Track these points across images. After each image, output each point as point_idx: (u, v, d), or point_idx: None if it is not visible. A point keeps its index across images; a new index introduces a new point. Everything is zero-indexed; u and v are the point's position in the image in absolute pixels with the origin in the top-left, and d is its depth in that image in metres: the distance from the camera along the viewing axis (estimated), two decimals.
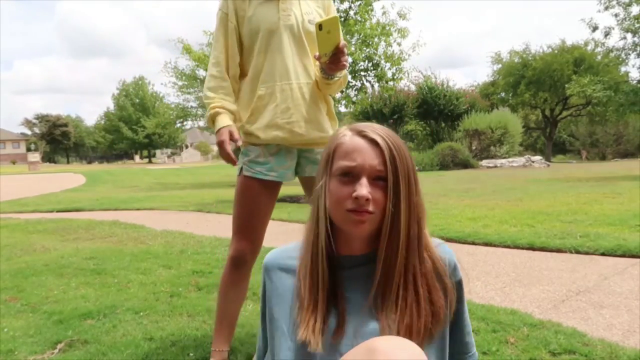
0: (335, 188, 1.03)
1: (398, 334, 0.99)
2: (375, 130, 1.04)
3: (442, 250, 1.11)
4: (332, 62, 1.77)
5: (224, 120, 1.92)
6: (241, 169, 2.00)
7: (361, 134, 1.04)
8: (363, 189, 0.99)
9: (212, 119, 1.95)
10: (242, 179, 1.99)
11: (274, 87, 1.92)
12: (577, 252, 4.02)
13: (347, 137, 1.06)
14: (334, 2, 10.75)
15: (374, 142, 1.02)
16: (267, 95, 1.93)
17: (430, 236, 1.11)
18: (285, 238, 4.94)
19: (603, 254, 3.89)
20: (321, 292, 1.05)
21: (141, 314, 2.80)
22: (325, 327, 1.03)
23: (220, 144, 1.89)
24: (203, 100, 2.03)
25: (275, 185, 2.01)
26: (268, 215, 2.04)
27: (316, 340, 1.01)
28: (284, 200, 8.65)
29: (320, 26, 1.67)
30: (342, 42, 1.75)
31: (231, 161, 1.91)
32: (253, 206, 1.98)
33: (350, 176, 1.01)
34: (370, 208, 1.00)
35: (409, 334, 1.00)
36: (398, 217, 1.01)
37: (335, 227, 1.06)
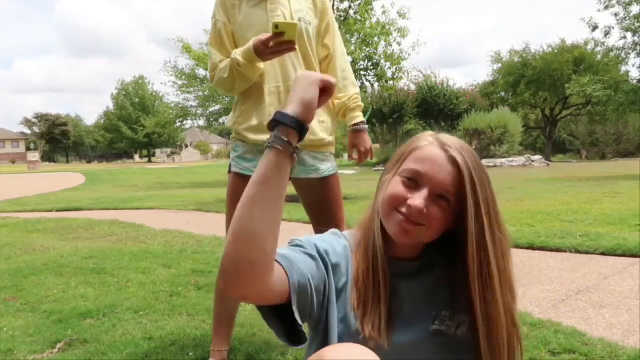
0: (395, 186, 0.99)
1: None
2: (459, 149, 0.98)
3: None
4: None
5: (240, 50, 1.84)
6: (230, 165, 1.99)
7: (443, 147, 0.98)
8: (420, 199, 0.94)
9: (239, 62, 1.82)
10: (231, 176, 1.99)
11: (262, 90, 1.91)
12: (577, 251, 4.01)
13: (428, 143, 1.00)
14: (334, 1, 10.76)
15: (453, 160, 0.96)
16: (255, 98, 1.92)
17: None
18: (285, 237, 4.92)
19: (603, 254, 3.88)
20: (383, 290, 1.00)
21: (141, 313, 2.80)
22: (388, 325, 0.99)
23: (260, 44, 1.73)
24: (219, 83, 1.94)
25: None
26: None
27: (383, 340, 0.97)
28: None
29: (276, 26, 1.65)
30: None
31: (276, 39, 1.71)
32: None
33: (415, 182, 0.97)
34: (421, 221, 0.95)
35: None
36: (486, 252, 0.95)
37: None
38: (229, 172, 2.00)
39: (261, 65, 1.86)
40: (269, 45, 1.70)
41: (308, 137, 1.92)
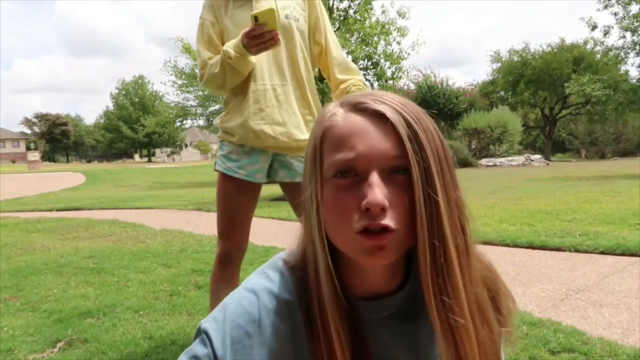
0: (331, 199, 0.66)
1: None
2: (380, 98, 0.68)
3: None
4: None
5: (231, 43, 1.83)
6: (215, 162, 2.00)
7: (358, 108, 0.68)
8: (375, 192, 0.62)
9: (230, 55, 1.80)
10: (218, 175, 1.99)
11: (247, 88, 1.91)
12: (577, 250, 4.02)
13: (339, 116, 0.69)
14: (334, 0, 10.75)
15: (379, 117, 0.66)
16: (241, 96, 1.92)
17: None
18: (284, 237, 4.93)
19: (602, 253, 3.89)
20: (346, 354, 0.68)
21: (141, 312, 2.81)
22: None
23: (246, 36, 1.74)
24: (210, 80, 1.92)
25: (248, 184, 1.97)
26: (248, 212, 2.00)
27: None
28: (283, 199, 8.62)
29: (255, 18, 1.69)
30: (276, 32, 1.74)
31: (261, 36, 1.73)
32: (230, 203, 1.96)
33: (352, 175, 0.65)
34: (390, 222, 0.63)
35: None
36: (439, 220, 0.65)
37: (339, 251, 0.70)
38: (214, 169, 2.01)
39: (252, 59, 1.85)
40: (251, 36, 1.72)
41: (293, 139, 1.92)
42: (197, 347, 0.69)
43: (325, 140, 0.68)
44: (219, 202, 1.98)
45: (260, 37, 1.72)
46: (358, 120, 0.67)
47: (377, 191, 0.62)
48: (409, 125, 0.65)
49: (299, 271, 0.74)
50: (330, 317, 0.68)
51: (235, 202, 1.96)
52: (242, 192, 1.96)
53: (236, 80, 1.89)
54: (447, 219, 0.65)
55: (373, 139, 0.65)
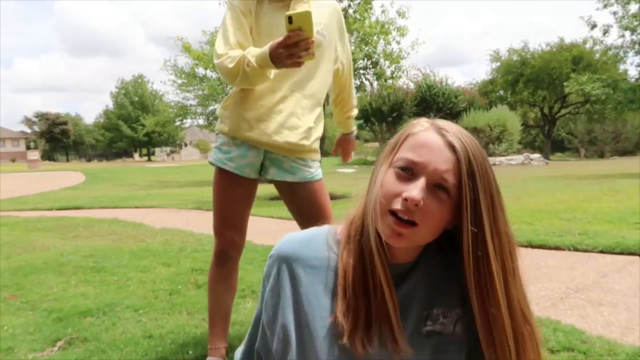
0: (388, 181, 0.88)
1: None
2: (458, 134, 0.88)
3: None
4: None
5: (255, 51, 1.73)
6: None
7: (440, 131, 0.88)
8: (416, 190, 0.83)
9: (249, 63, 1.71)
10: (214, 169, 1.97)
11: (267, 84, 1.85)
12: (576, 249, 4.02)
13: (423, 129, 0.90)
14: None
15: (450, 146, 0.86)
16: (248, 91, 1.87)
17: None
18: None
19: (602, 252, 3.89)
20: (391, 303, 0.90)
21: (140, 311, 2.81)
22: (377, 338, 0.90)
23: (281, 45, 1.62)
24: (222, 67, 1.81)
25: (242, 180, 1.92)
26: (243, 210, 1.97)
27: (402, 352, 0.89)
28: None
29: (290, 19, 1.54)
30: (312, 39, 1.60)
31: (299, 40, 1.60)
32: (224, 199, 1.94)
33: (409, 173, 0.86)
34: (416, 219, 0.84)
35: None
36: (485, 249, 0.87)
37: None
38: (208, 160, 2.01)
39: (271, 75, 1.78)
40: (286, 45, 1.60)
41: (287, 141, 1.86)
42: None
43: (407, 140, 0.91)
44: (213, 198, 1.97)
45: (296, 46, 1.58)
46: (434, 139, 0.88)
47: (418, 191, 0.83)
48: (469, 163, 0.85)
49: (353, 236, 0.95)
50: (380, 270, 0.90)
51: (229, 198, 1.93)
52: (236, 188, 1.93)
53: (245, 86, 1.83)
54: (491, 246, 0.88)
55: (435, 157, 0.85)
